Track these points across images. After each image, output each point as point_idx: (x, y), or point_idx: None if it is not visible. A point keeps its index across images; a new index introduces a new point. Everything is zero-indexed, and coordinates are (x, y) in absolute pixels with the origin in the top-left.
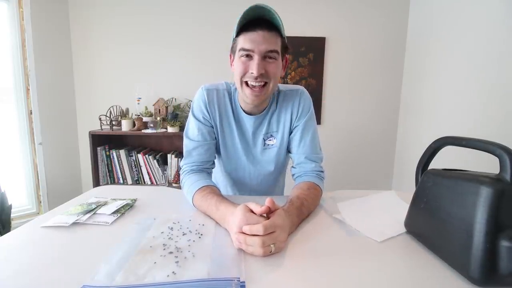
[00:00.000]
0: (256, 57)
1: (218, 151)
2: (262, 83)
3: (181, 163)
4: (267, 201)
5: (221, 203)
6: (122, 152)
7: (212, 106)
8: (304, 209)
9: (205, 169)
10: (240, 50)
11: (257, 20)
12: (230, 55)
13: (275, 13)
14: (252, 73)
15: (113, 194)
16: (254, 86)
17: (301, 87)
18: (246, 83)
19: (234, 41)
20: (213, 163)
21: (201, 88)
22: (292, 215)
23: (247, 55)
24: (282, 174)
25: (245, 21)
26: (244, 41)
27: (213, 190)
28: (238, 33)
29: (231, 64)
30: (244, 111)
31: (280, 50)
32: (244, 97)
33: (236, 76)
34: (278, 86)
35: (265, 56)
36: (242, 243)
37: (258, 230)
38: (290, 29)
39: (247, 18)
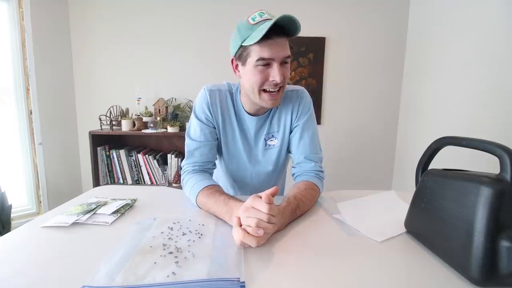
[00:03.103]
0: (275, 65)
1: (219, 151)
2: (278, 88)
3: (183, 163)
4: (273, 188)
5: (231, 199)
6: (122, 152)
7: (215, 106)
8: (299, 211)
9: (207, 169)
10: (258, 59)
11: (271, 28)
12: (232, 60)
13: (297, 22)
14: (273, 80)
15: (113, 194)
16: (272, 92)
17: (301, 88)
18: (264, 90)
19: (244, 48)
20: (215, 163)
21: (203, 89)
22: (285, 215)
23: (266, 64)
24: (282, 174)
25: (267, 30)
26: (262, 50)
27: (221, 189)
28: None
29: (235, 70)
30: (246, 112)
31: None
32: (261, 103)
33: (252, 84)
34: None
35: (282, 62)
36: (243, 218)
37: (263, 206)
38: None
39: (270, 26)
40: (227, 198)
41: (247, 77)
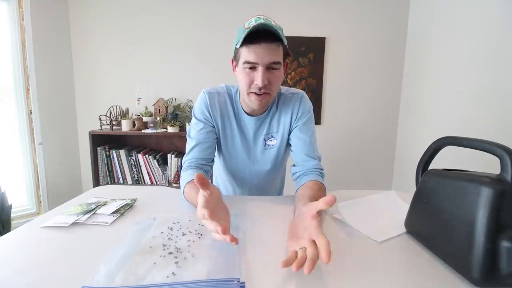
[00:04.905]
0: (260, 69)
1: (220, 150)
2: (266, 92)
3: (182, 161)
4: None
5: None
6: (122, 152)
7: (214, 108)
8: None
9: (203, 165)
10: (244, 62)
11: (259, 32)
12: (232, 61)
13: (277, 28)
14: (256, 84)
15: (113, 194)
16: (258, 94)
17: (301, 91)
18: (252, 92)
19: (237, 50)
20: (212, 160)
21: (202, 92)
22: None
23: (251, 67)
24: (280, 172)
25: (248, 34)
26: (248, 53)
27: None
28: (241, 44)
29: (233, 70)
30: (245, 112)
31: (282, 58)
32: (249, 103)
33: (241, 86)
34: (280, 88)
35: (269, 67)
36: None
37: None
38: (290, 29)
39: (249, 31)
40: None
41: (239, 77)
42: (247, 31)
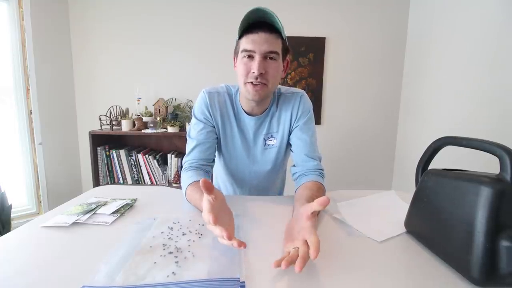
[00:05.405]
0: (257, 57)
1: (220, 150)
2: (263, 83)
3: (183, 162)
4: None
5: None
6: (122, 152)
7: (214, 107)
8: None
9: (203, 166)
10: (242, 51)
11: (258, 23)
12: (234, 58)
13: (275, 16)
14: (253, 72)
15: (113, 194)
16: (255, 84)
17: (301, 91)
18: (249, 82)
19: (237, 43)
20: (213, 161)
21: (202, 92)
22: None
23: (249, 56)
24: (281, 173)
25: (247, 23)
26: (246, 42)
27: None
28: (240, 35)
29: (234, 66)
30: (245, 112)
31: (281, 51)
32: (246, 94)
33: (239, 76)
34: (280, 88)
35: (266, 57)
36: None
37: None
38: (290, 29)
39: (249, 20)
40: None
41: (237, 69)
42: (245, 19)
